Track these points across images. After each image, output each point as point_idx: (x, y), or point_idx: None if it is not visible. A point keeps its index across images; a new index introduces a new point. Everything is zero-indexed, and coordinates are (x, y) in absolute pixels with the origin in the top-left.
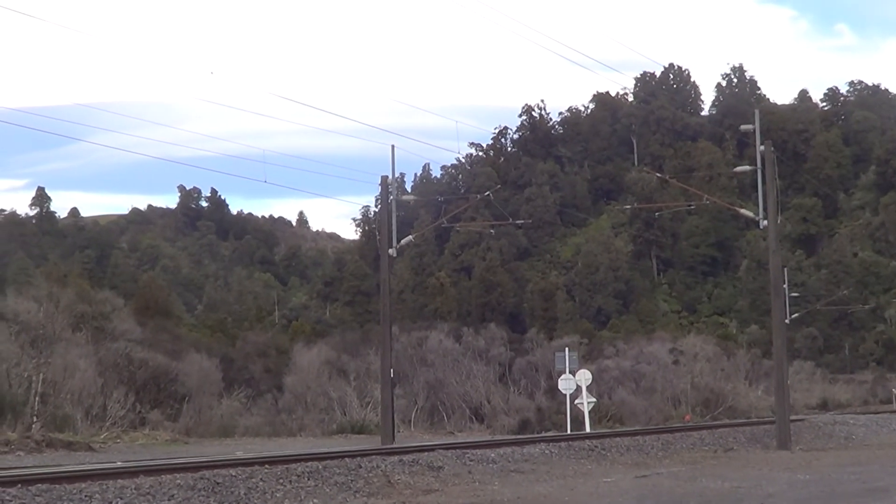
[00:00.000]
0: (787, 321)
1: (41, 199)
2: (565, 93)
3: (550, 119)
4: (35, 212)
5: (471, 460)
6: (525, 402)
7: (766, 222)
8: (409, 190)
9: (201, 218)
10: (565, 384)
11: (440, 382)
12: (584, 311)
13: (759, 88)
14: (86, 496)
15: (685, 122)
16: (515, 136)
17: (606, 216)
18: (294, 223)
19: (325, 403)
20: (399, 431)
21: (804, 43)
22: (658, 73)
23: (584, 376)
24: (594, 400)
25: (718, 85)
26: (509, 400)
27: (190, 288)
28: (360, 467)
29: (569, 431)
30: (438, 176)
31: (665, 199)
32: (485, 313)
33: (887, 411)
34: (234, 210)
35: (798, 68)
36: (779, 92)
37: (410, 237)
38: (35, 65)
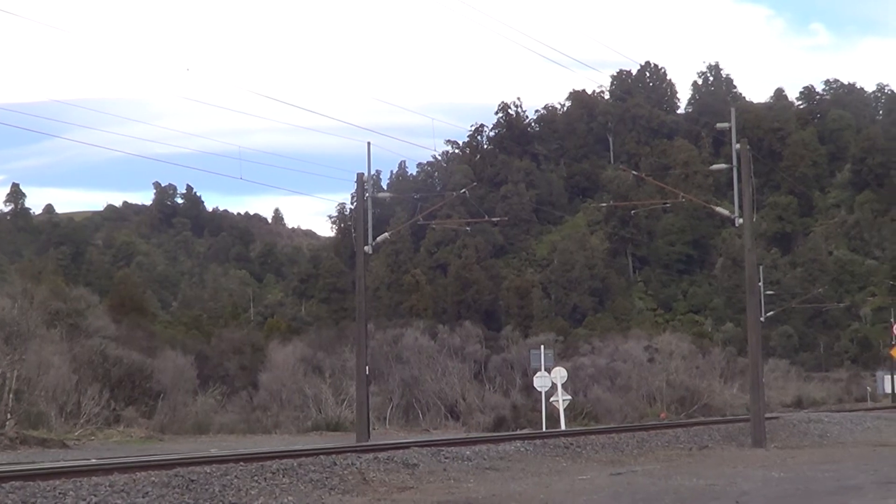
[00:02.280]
0: (762, 319)
1: (16, 195)
2: (541, 90)
3: (527, 117)
4: (10, 208)
5: (446, 458)
6: (500, 400)
7: (741, 220)
8: (385, 187)
9: (177, 215)
10: (541, 382)
11: (415, 380)
12: (560, 309)
13: (735, 87)
14: (60, 493)
15: (661, 120)
16: (492, 134)
17: (582, 214)
18: (270, 220)
19: (300, 401)
20: (374, 429)
21: (780, 42)
22: (634, 72)
23: (560, 374)
24: (569, 397)
25: (694, 83)
26: (484, 397)
27: (165, 285)
28: (335, 465)
29: (544, 429)
30: (415, 173)
31: (641, 196)
32: (460, 311)
33: (862, 409)
34: (209, 207)
35: (774, 67)
36: (755, 90)
37: (386, 234)
38: (11, 61)
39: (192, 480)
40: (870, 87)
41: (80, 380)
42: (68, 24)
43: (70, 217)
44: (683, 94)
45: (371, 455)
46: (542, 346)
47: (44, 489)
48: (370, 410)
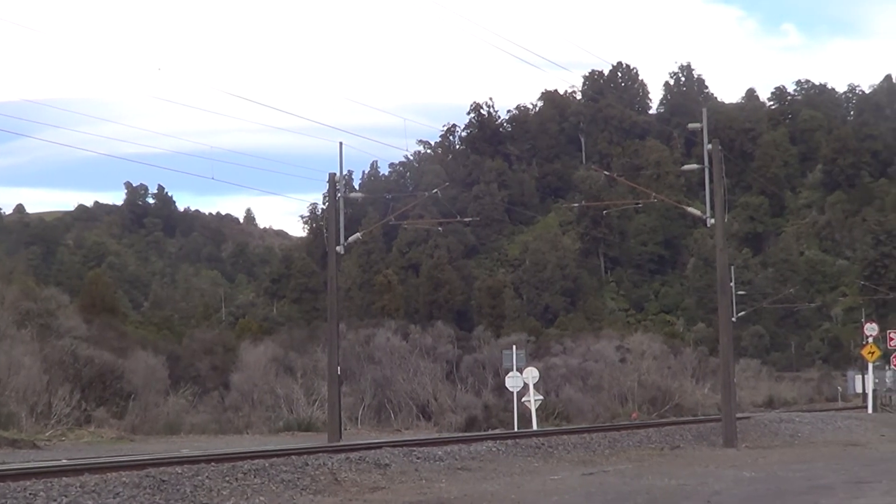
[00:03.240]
0: (733, 319)
1: None
2: (514, 91)
3: (499, 117)
4: None
5: (418, 458)
6: (472, 400)
7: (713, 220)
8: (357, 187)
9: (148, 215)
10: (512, 382)
11: (387, 380)
12: (532, 309)
13: (706, 87)
14: (30, 494)
15: (633, 120)
16: (464, 134)
17: (554, 214)
18: (241, 220)
19: (271, 401)
20: (346, 429)
21: (751, 42)
22: (606, 72)
23: (532, 374)
24: (541, 397)
25: (666, 83)
26: (456, 397)
27: (136, 285)
28: (307, 465)
29: (516, 429)
30: (387, 173)
31: (613, 197)
32: (432, 311)
33: (833, 409)
34: (181, 207)
35: (745, 67)
36: (726, 91)
37: (358, 234)
38: None
39: (164, 481)
40: (841, 88)
41: (50, 380)
42: (39, 23)
43: (41, 217)
44: (655, 95)
45: (343, 455)
46: (514, 347)
47: (14, 490)
48: (342, 411)
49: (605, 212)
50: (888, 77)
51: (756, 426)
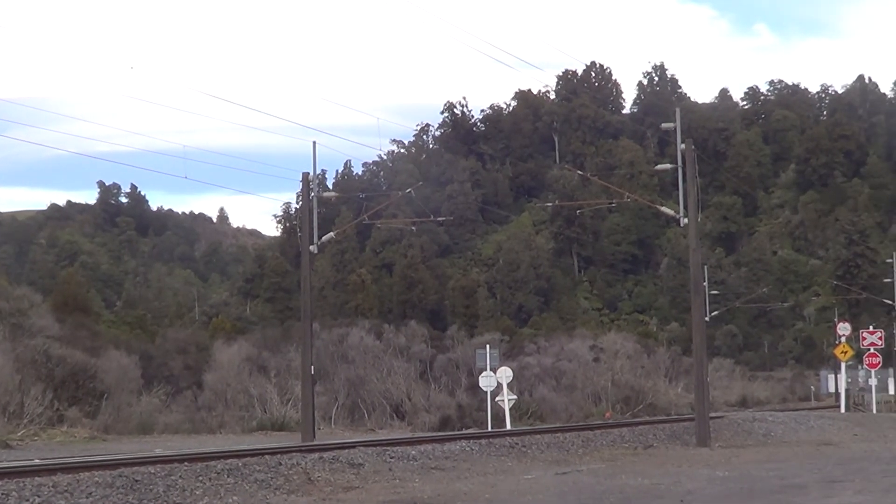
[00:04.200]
0: (706, 319)
1: None
2: (487, 90)
3: (472, 116)
4: None
5: (391, 457)
6: (446, 400)
7: (686, 220)
8: (330, 187)
9: (121, 214)
10: (486, 381)
11: (361, 379)
12: (506, 309)
13: (679, 87)
14: (2, 494)
15: (606, 120)
16: (437, 134)
17: (528, 214)
18: (215, 219)
19: (245, 400)
20: (319, 429)
21: (724, 42)
22: (580, 72)
23: (505, 373)
24: (515, 397)
25: (640, 83)
26: (430, 397)
27: (109, 284)
28: (281, 464)
29: (489, 429)
30: (360, 173)
31: (587, 196)
32: (406, 310)
33: (805, 408)
34: (154, 206)
35: (718, 67)
36: (699, 90)
37: (332, 234)
38: None
39: (137, 481)
40: (814, 88)
41: (22, 380)
42: (10, 21)
43: (13, 216)
44: (629, 94)
45: (316, 455)
46: (488, 346)
47: None
48: (315, 410)
49: (578, 211)
50: (860, 77)
51: (729, 426)
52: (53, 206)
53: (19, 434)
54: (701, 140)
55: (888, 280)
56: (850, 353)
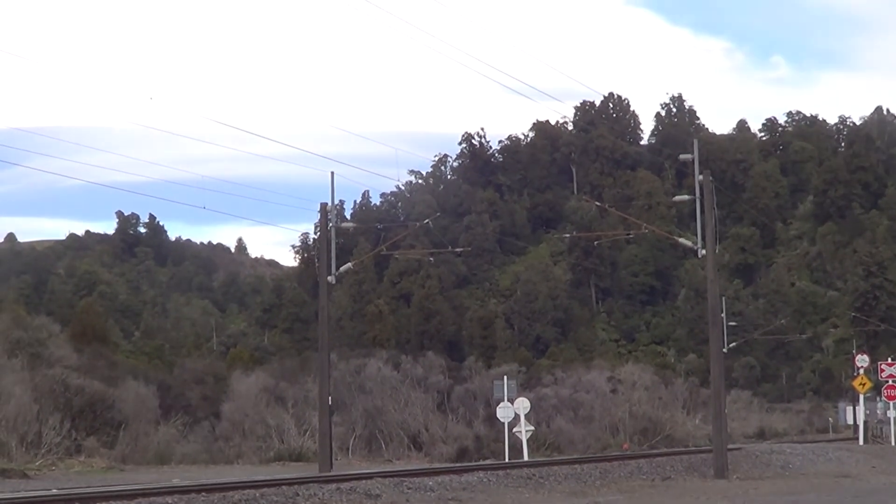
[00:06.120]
0: (724, 350)
1: None
2: (505, 121)
3: (490, 147)
4: None
5: (409, 488)
6: (463, 430)
7: (704, 251)
8: (348, 217)
9: (139, 244)
10: (504, 412)
11: (378, 410)
12: (523, 340)
13: (697, 118)
14: None
15: (624, 151)
16: (455, 164)
17: (545, 244)
18: (233, 250)
19: (262, 431)
20: (337, 459)
21: (742, 74)
22: (598, 102)
23: (523, 404)
24: (532, 428)
25: (657, 114)
26: (447, 428)
27: (127, 314)
28: (298, 495)
29: (507, 459)
30: (378, 203)
31: (604, 227)
32: (423, 341)
33: (824, 440)
34: (172, 236)
35: (736, 99)
36: (717, 122)
37: (349, 264)
38: None
39: None
40: (832, 120)
41: (41, 409)
42: (30, 52)
43: (32, 246)
44: (647, 125)
45: (333, 486)
46: (505, 377)
47: None
48: (333, 441)
49: (596, 242)
50: (878, 109)
51: (747, 457)
52: (72, 236)
53: (37, 464)
54: (719, 171)
55: None
56: (869, 384)
